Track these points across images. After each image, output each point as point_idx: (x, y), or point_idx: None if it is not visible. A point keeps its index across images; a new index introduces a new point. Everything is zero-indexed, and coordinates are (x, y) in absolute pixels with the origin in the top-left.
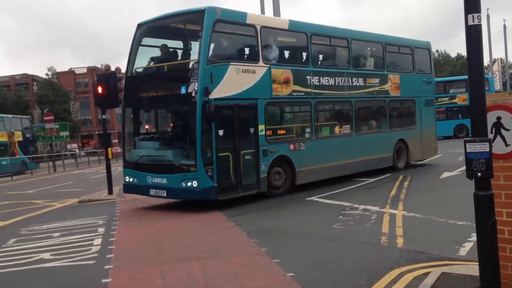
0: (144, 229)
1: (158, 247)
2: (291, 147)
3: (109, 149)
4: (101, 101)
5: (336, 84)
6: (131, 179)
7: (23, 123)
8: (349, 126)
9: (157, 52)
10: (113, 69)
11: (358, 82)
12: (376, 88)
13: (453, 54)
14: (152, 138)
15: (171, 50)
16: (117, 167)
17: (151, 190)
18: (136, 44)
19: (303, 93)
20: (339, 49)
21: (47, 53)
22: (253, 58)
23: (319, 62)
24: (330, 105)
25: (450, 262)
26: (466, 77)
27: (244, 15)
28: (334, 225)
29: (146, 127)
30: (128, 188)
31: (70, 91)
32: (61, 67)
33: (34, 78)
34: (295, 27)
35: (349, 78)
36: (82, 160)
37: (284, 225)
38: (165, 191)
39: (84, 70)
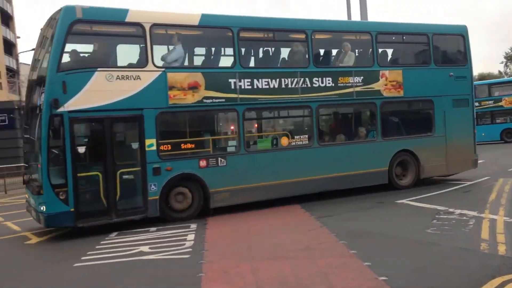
0: (234, 227)
1: (249, 245)
2: (202, 163)
3: None
4: None
5: (284, 86)
6: (27, 197)
7: None
8: (307, 136)
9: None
10: None
11: (322, 82)
12: (358, 89)
13: None
14: (27, 154)
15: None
16: None
17: (31, 211)
18: (37, 48)
19: (223, 100)
20: (292, 45)
21: None
22: (138, 62)
23: (255, 61)
24: (274, 111)
25: None
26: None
27: (124, 12)
28: (428, 229)
29: (27, 141)
30: (27, 207)
31: None
32: None
33: None
34: (211, 23)
35: (307, 79)
36: None
37: (374, 228)
38: (35, 213)
39: None
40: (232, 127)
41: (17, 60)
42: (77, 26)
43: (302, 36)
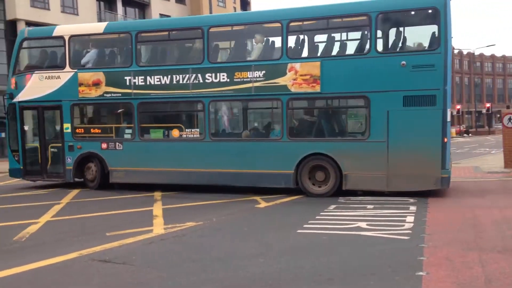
0: (458, 213)
1: (475, 234)
2: (103, 146)
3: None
4: None
5: (175, 82)
6: None
7: None
8: (199, 130)
9: None
10: None
11: (216, 78)
12: (257, 84)
13: None
14: None
15: None
16: None
17: None
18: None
19: (119, 94)
20: (188, 42)
21: None
22: (60, 65)
23: (150, 60)
24: (165, 106)
25: None
26: None
27: (51, 29)
28: None
29: None
30: None
31: None
32: None
33: None
34: (113, 29)
35: (199, 74)
36: None
37: None
38: None
39: None
40: (128, 118)
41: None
42: (25, 42)
43: (199, 33)
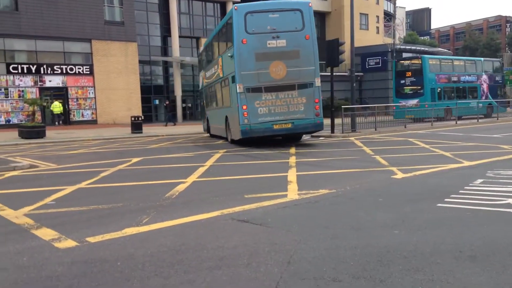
0: None
1: None
2: (207, 112)
3: None
4: None
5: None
6: None
7: (494, 65)
8: (216, 102)
9: None
10: None
11: (216, 70)
12: (219, 71)
13: None
14: None
15: None
16: None
17: None
18: None
19: (206, 84)
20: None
21: None
22: (201, 69)
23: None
24: (211, 88)
25: None
26: None
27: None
28: None
29: None
30: None
31: None
32: None
33: (507, 20)
34: (204, 46)
35: (213, 68)
36: None
37: None
38: None
39: None
40: (214, 96)
41: (394, 4)
42: (200, 56)
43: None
